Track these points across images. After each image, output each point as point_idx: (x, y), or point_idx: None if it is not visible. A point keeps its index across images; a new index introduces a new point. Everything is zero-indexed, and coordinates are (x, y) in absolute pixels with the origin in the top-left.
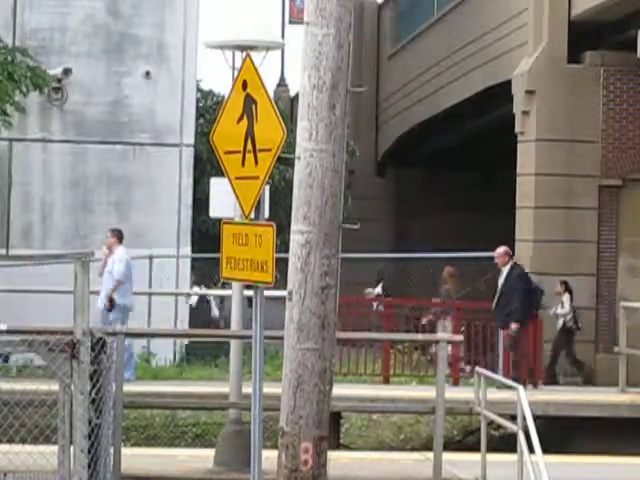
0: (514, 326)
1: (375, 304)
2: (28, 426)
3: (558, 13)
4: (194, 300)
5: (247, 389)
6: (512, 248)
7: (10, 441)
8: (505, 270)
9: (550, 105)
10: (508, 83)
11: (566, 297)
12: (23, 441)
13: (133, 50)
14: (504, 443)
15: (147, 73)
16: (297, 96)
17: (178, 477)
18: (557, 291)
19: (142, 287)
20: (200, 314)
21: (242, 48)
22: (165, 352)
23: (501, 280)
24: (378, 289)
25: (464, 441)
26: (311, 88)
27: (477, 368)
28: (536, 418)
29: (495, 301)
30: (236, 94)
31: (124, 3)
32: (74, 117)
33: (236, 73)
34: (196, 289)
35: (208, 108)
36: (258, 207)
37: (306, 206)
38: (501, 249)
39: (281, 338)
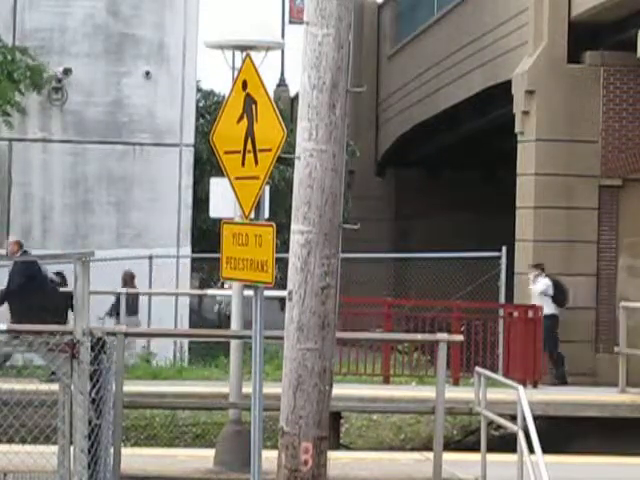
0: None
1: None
2: (28, 426)
3: (558, 13)
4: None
5: (247, 389)
6: (512, 248)
7: (10, 441)
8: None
9: (550, 105)
10: (508, 83)
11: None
12: (23, 441)
13: (133, 50)
14: (504, 443)
15: (147, 73)
16: (297, 96)
17: (178, 477)
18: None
19: (142, 287)
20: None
21: (242, 48)
22: (165, 352)
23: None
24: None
25: (464, 441)
26: (311, 88)
27: (477, 368)
28: (536, 418)
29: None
30: (236, 94)
31: (124, 3)
32: (74, 117)
33: (236, 73)
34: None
35: (208, 108)
36: (258, 207)
37: (306, 206)
38: (12, 238)
39: (281, 338)
